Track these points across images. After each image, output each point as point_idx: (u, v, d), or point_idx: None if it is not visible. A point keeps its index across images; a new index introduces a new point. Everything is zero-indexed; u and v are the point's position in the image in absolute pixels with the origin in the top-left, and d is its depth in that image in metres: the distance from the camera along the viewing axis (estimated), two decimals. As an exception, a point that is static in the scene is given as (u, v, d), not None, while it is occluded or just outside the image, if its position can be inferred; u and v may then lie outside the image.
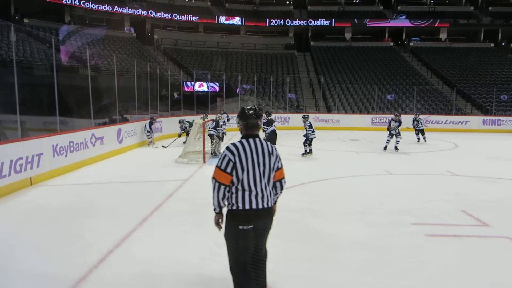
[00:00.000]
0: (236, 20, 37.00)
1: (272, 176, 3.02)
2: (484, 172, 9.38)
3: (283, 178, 3.14)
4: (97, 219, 5.54)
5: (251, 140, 2.97)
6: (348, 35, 38.49)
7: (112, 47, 28.82)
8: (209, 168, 9.71)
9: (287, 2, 40.49)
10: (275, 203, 3.17)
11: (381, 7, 39.86)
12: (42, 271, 3.89)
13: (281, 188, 3.14)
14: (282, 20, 37.67)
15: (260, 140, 3.03)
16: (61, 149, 8.60)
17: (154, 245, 4.58)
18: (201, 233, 4.98)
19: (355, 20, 37.72)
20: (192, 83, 24.36)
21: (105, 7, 31.48)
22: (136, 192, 7.39)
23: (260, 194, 2.92)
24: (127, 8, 32.79)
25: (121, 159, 11.05)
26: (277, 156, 3.06)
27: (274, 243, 4.65)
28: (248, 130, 3.02)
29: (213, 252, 4.37)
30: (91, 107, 11.18)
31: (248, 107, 3.09)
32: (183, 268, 3.98)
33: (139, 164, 10.30)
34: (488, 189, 7.78)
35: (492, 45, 36.72)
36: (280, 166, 3.09)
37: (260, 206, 2.91)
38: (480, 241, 4.87)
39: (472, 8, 39.19)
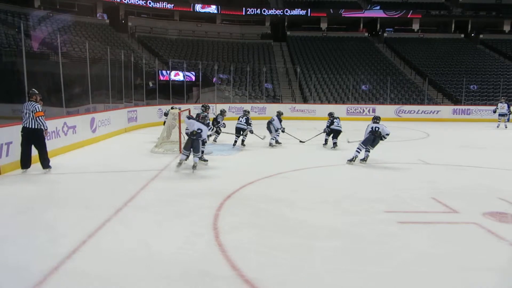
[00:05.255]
0: (212, 9, 36.52)
1: (32, 115, 7.13)
2: (455, 161, 9.69)
3: (39, 116, 7.16)
4: (69, 209, 5.42)
5: (28, 102, 7.21)
6: (324, 25, 38.65)
7: (84, 34, 27.95)
8: (185, 158, 9.62)
9: (264, -9, 40.23)
10: (46, 128, 7.38)
11: (356, -2, 40.18)
12: (12, 263, 3.79)
13: (40, 121, 7.24)
14: (259, 9, 37.41)
15: (30, 102, 7.22)
16: (31, 138, 8.32)
17: (128, 236, 4.52)
18: (177, 223, 4.96)
19: (331, 10, 37.89)
20: (168, 72, 23.97)
21: (76, -8, 30.44)
22: (110, 182, 7.27)
23: (26, 121, 7.14)
24: (99, -7, 31.82)
25: (94, 148, 10.81)
26: (34, 108, 7.14)
27: (249, 232, 4.70)
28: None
29: (189, 241, 4.35)
30: (63, 95, 10.85)
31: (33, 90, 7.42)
32: (158, 258, 3.95)
33: (113, 154, 10.10)
34: (458, 177, 8.05)
35: (463, 36, 37.66)
36: (36, 111, 7.14)
37: (26, 126, 7.17)
38: (450, 227, 5.05)
39: (443, -1, 40.03)
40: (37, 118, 7.21)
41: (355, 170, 8.59)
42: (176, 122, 10.55)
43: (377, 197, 6.28)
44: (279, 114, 11.87)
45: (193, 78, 25.12)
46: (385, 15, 37.96)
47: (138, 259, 3.92)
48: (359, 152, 9.12)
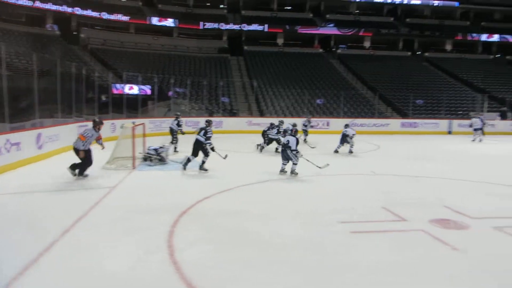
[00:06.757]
0: (169, 22, 36.29)
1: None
2: (404, 171, 10.13)
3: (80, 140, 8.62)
4: (12, 233, 5.09)
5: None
6: (280, 41, 39.52)
7: (32, 45, 26.78)
8: (139, 174, 9.40)
9: (221, 6, 40.54)
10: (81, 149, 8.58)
11: (311, 15, 41.46)
12: None
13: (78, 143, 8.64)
14: (216, 24, 37.64)
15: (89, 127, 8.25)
16: (-30, 155, 7.79)
17: (79, 257, 4.32)
18: (129, 241, 4.80)
19: (287, 26, 38.86)
20: (122, 85, 23.42)
21: (24, 2, 29.19)
22: (58, 201, 6.91)
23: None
24: (50, 3, 30.64)
25: (41, 166, 10.27)
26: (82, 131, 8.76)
27: (206, 248, 4.63)
28: None
29: (141, 260, 4.23)
30: (6, 110, 10.28)
31: None
32: (111, 278, 3.80)
33: (62, 172, 9.60)
34: (407, 187, 8.42)
35: (410, 53, 39.93)
36: (81, 134, 8.78)
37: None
38: (399, 234, 5.26)
39: (392, 19, 42.24)
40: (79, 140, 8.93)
41: (308, 182, 8.75)
42: (131, 136, 10.29)
43: (331, 208, 6.43)
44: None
45: (149, 91, 24.69)
46: (338, 33, 39.47)
47: (90, 281, 3.75)
48: (339, 148, 13.53)
